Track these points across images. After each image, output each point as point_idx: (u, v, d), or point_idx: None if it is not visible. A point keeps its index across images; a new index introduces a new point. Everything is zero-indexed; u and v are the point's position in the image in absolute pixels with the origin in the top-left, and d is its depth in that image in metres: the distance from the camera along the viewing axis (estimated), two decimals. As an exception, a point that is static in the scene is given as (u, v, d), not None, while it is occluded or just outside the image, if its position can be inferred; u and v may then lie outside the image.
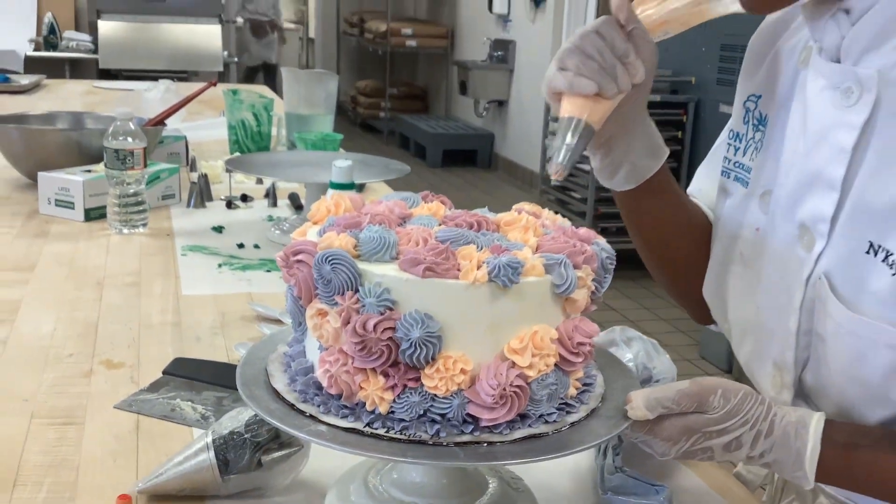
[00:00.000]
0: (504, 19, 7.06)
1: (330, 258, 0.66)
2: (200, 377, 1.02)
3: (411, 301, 0.64)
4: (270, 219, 1.77)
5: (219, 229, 1.68)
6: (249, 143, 2.32)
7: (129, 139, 1.60)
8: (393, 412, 0.65)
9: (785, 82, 0.86)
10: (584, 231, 0.73)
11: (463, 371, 0.64)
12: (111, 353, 1.10)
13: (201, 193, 1.86)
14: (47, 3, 6.23)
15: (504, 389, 0.64)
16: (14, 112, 2.15)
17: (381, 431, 0.66)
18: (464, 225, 0.72)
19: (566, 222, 0.77)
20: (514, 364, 0.65)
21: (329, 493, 0.79)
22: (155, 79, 3.24)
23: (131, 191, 1.63)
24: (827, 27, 0.78)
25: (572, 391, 0.70)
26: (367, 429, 0.66)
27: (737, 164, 0.90)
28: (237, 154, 2.22)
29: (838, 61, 0.78)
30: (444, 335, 0.64)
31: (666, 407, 0.69)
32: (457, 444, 0.65)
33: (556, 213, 0.80)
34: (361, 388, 0.66)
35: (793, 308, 0.79)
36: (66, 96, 3.36)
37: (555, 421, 0.68)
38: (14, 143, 1.87)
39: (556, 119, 0.83)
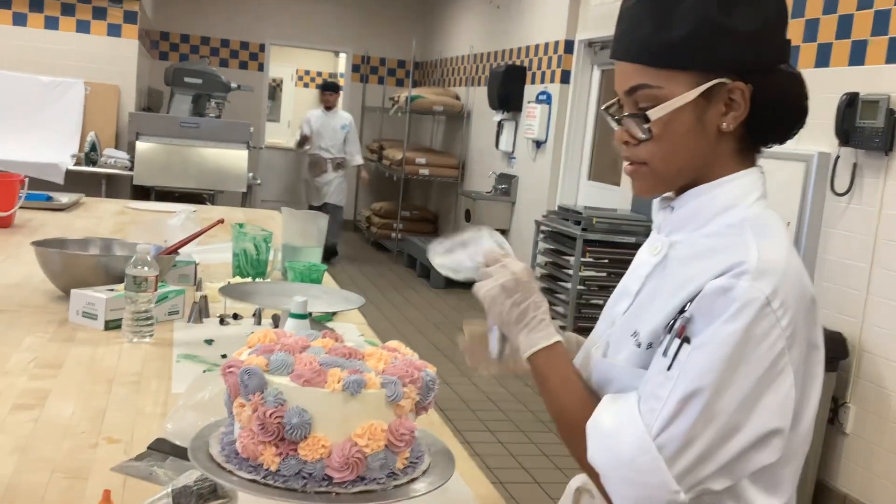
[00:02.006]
0: (509, 156, 7.62)
1: (248, 371, 1.07)
2: (174, 453, 1.41)
3: (295, 400, 1.05)
4: (253, 335, 2.18)
5: (209, 342, 2.09)
6: (249, 268, 2.75)
7: (145, 268, 2.04)
8: (279, 470, 1.05)
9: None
10: (420, 362, 1.13)
11: (324, 446, 1.04)
12: (112, 432, 1.50)
13: (200, 311, 2.28)
14: (91, 124, 6.82)
15: (348, 459, 1.03)
16: (54, 235, 2.60)
17: (271, 482, 1.05)
18: (340, 354, 1.13)
19: (414, 356, 1.18)
20: (356, 444, 1.04)
21: (247, 530, 1.17)
22: (183, 196, 3.69)
23: (143, 308, 2.05)
24: (660, 214, 1.27)
25: (400, 465, 1.08)
26: (262, 480, 1.05)
27: None
28: (237, 278, 2.65)
29: (658, 233, 1.26)
30: (313, 422, 1.04)
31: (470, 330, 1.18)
32: (316, 492, 1.04)
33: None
34: (261, 453, 1.05)
35: (599, 356, 1.26)
36: (100, 215, 3.85)
37: (383, 482, 1.06)
38: (54, 263, 2.32)
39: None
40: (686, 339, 1.08)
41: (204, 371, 1.88)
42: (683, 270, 1.15)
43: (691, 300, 1.10)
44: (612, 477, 1.10)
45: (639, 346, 1.16)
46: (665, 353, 1.10)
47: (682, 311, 1.10)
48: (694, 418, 1.06)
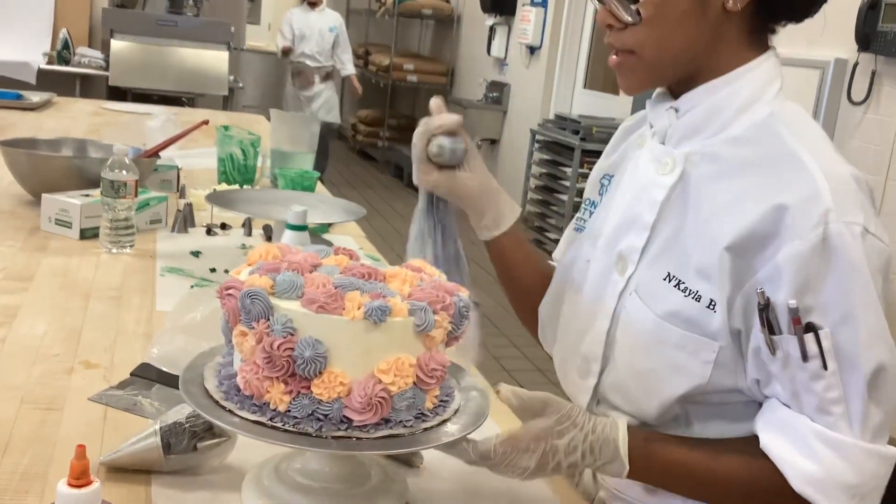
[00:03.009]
0: (501, 63, 7.35)
1: (251, 294, 0.89)
2: (161, 380, 1.24)
3: (307, 329, 0.88)
4: (243, 247, 2.01)
5: (196, 254, 1.91)
6: (236, 174, 2.55)
7: (124, 172, 1.84)
8: (289, 411, 0.88)
9: (626, 164, 1.14)
10: (451, 285, 0.97)
11: (342, 383, 0.87)
12: (90, 355, 1.33)
13: (185, 220, 2.09)
14: (63, 20, 6.47)
15: (371, 399, 0.87)
16: (25, 135, 2.39)
17: (280, 425, 0.89)
18: (357, 275, 0.95)
19: (442, 277, 1.01)
20: (380, 381, 0.88)
21: (248, 474, 1.02)
22: (162, 98, 3.48)
23: (122, 216, 1.87)
24: (661, 117, 1.05)
25: (429, 405, 0.93)
26: (269, 422, 0.89)
27: (583, 221, 1.20)
28: (223, 185, 2.45)
29: (664, 143, 1.05)
30: (329, 356, 0.87)
31: (519, 397, 0.95)
32: (333, 437, 0.88)
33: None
34: (267, 391, 0.89)
35: (605, 314, 1.06)
36: (74, 115, 3.61)
37: (411, 426, 0.91)
38: (23, 165, 2.11)
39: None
40: (811, 328, 0.91)
41: (192, 286, 1.70)
42: (719, 195, 0.98)
43: (744, 251, 0.93)
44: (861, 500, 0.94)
45: (687, 293, 0.98)
46: (805, 358, 0.91)
47: (766, 304, 0.92)
48: (885, 393, 0.92)
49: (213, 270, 1.81)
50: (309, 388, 0.88)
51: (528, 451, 0.94)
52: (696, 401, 1.01)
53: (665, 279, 1.00)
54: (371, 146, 9.01)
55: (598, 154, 1.13)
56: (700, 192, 1.00)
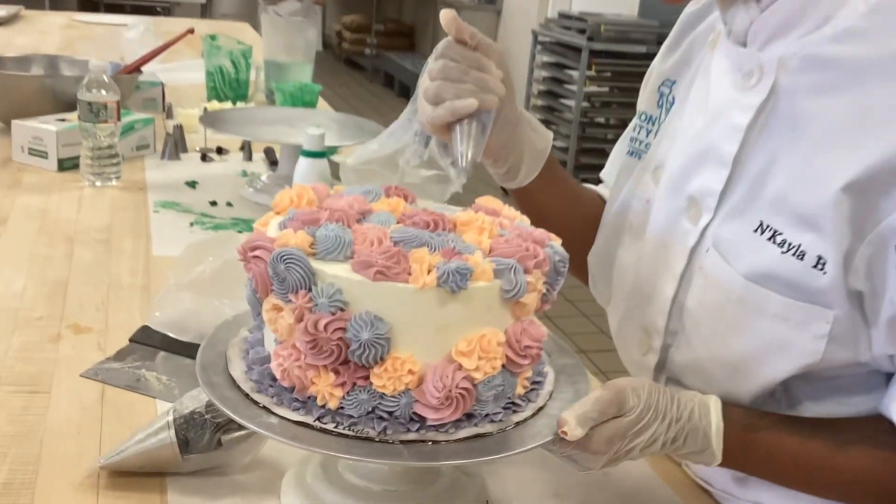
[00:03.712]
0: (494, -42, 6.96)
1: (285, 257, 0.67)
2: (166, 347, 1.04)
3: (362, 302, 0.66)
4: (245, 174, 1.78)
5: (192, 184, 1.68)
6: (227, 89, 2.30)
7: (103, 92, 1.59)
8: (342, 408, 0.68)
9: (695, 67, 0.90)
10: (539, 232, 0.75)
11: (410, 372, 0.67)
12: (79, 317, 1.12)
13: (176, 145, 1.85)
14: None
15: (450, 391, 0.66)
16: (-12, 52, 2.12)
17: (331, 426, 0.68)
18: (420, 224, 0.74)
19: (524, 220, 0.79)
20: (461, 366, 0.67)
21: (287, 473, 0.82)
22: (136, 9, 3.20)
23: (104, 144, 1.63)
24: (737, 12, 0.80)
25: (520, 390, 0.72)
26: (316, 423, 0.68)
27: (640, 143, 0.95)
28: (213, 102, 2.20)
29: (745, 45, 0.80)
30: (392, 337, 0.66)
31: (593, 419, 0.71)
32: (402, 441, 0.68)
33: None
34: (313, 383, 0.68)
35: (672, 275, 0.84)
36: (44, 29, 3.31)
37: (500, 420, 0.70)
38: (-13, 87, 1.86)
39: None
40: None
41: (191, 224, 1.48)
42: (828, 114, 0.74)
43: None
44: None
45: (786, 248, 0.74)
46: None
47: None
48: None
49: (213, 204, 1.58)
50: (368, 378, 0.67)
51: (597, 454, 0.73)
52: (803, 379, 0.79)
53: (756, 231, 0.77)
54: (358, 54, 8.63)
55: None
56: (800, 112, 0.76)
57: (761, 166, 0.77)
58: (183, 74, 2.59)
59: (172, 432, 0.81)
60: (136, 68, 2.03)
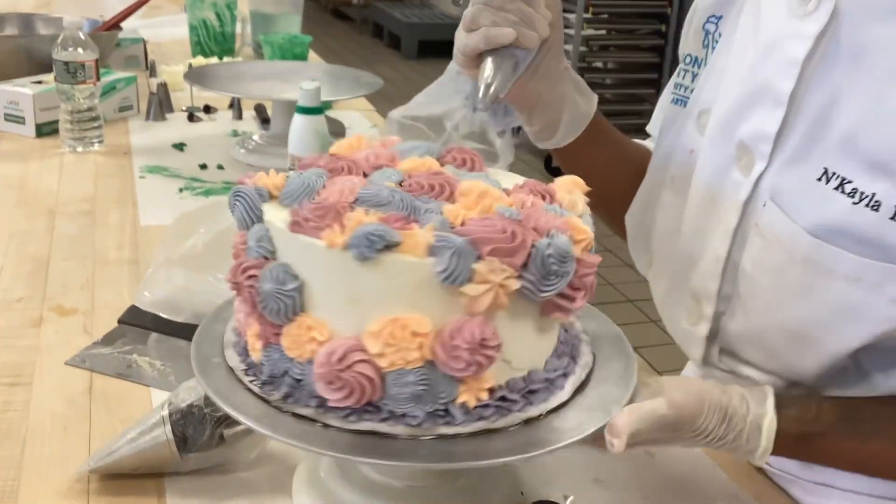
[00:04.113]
0: None
1: (237, 193, 0.64)
2: (159, 328, 0.95)
3: (286, 254, 0.61)
4: (235, 133, 1.68)
5: (180, 146, 1.58)
6: (212, 44, 2.19)
7: (80, 50, 1.49)
8: (262, 364, 0.63)
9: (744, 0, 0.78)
10: (547, 220, 0.62)
11: (314, 340, 0.59)
12: (63, 297, 1.03)
13: (161, 105, 1.75)
14: None
15: (340, 372, 0.58)
16: (-43, 12, 2.00)
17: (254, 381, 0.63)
18: (416, 188, 0.64)
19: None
20: (364, 348, 0.58)
21: (298, 468, 0.74)
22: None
23: (84, 106, 1.52)
24: None
25: (469, 401, 0.60)
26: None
27: (685, 88, 0.84)
28: (199, 58, 2.09)
29: None
30: (307, 298, 0.60)
31: (645, 438, 0.62)
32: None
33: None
34: (246, 333, 0.64)
35: (723, 233, 0.74)
36: (17, -13, 3.16)
37: (416, 425, 0.60)
38: (-43, 49, 1.74)
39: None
40: None
41: (180, 190, 1.38)
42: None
43: None
44: None
45: (857, 198, 0.65)
46: None
47: None
48: None
49: (203, 167, 1.48)
50: (279, 336, 0.61)
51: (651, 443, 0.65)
52: (876, 349, 0.70)
53: (820, 179, 0.67)
54: (345, 4, 8.42)
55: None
56: (866, 40, 0.66)
57: (822, 105, 0.68)
58: (165, 30, 2.47)
59: (168, 428, 0.73)
60: (115, 24, 1.92)
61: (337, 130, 1.68)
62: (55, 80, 1.51)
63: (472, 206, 0.62)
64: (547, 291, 0.60)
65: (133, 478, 0.73)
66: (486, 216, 0.61)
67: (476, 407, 0.61)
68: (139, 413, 0.79)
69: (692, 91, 0.83)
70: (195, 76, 1.58)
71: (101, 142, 1.56)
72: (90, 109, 1.53)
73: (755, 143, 0.71)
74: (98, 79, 1.53)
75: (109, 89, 1.68)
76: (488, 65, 0.72)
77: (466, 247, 0.57)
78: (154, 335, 0.94)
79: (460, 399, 0.60)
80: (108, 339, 0.94)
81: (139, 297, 0.92)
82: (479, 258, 0.58)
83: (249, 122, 1.75)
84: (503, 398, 0.62)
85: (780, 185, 0.70)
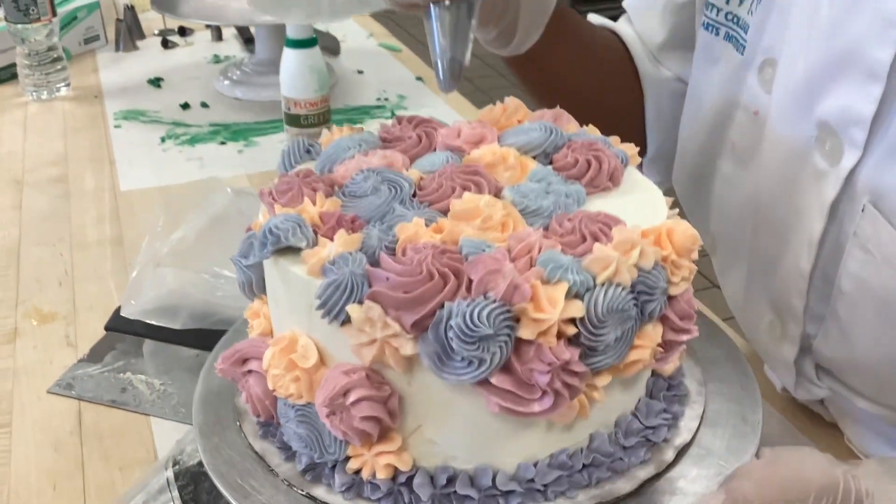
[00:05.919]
0: None
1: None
2: (153, 333, 0.80)
3: None
4: (217, 59, 1.49)
5: (156, 82, 1.40)
6: (181, -50, 1.96)
7: (27, -18, 1.29)
8: None
9: None
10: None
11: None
12: (39, 297, 0.89)
13: (130, 31, 1.55)
14: None
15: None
16: None
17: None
18: (431, 189, 0.50)
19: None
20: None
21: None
22: None
23: (43, 46, 1.34)
24: None
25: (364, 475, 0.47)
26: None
27: (729, 17, 0.65)
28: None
29: None
30: None
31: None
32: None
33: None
34: None
35: (806, 240, 0.58)
36: None
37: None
38: None
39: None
40: None
41: (162, 139, 1.22)
42: None
43: None
44: None
45: None
46: None
47: None
48: None
49: (185, 107, 1.31)
50: None
51: None
52: None
53: None
54: None
55: None
56: None
57: None
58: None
59: (175, 494, 0.59)
60: (67, -60, 1.70)
61: (330, 46, 1.50)
62: (5, 19, 1.32)
63: (455, 227, 0.46)
64: (456, 375, 0.42)
65: (141, 554, 0.60)
66: (436, 245, 0.44)
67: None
68: (140, 454, 0.67)
69: (739, 22, 0.64)
70: (162, 2, 1.38)
71: (67, 85, 1.38)
72: (51, 49, 1.35)
73: (843, 125, 0.54)
74: (54, 13, 1.34)
75: (70, 20, 1.49)
76: (435, 21, 0.53)
77: (355, 278, 0.43)
78: (148, 343, 0.80)
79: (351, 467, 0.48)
80: (96, 354, 0.80)
81: (125, 306, 0.77)
82: (361, 300, 0.43)
83: (232, 44, 1.56)
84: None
85: (882, 184, 0.53)
